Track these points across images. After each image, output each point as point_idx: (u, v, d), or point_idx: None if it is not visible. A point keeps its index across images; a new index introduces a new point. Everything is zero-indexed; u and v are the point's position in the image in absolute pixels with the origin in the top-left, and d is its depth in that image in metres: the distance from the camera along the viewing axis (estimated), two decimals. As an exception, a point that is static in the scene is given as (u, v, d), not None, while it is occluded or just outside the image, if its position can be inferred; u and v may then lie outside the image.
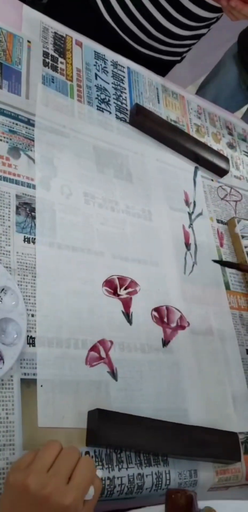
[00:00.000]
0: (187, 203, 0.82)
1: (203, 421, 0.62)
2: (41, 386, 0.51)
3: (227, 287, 0.77)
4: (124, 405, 0.56)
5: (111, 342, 0.59)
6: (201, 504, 0.43)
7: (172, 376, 0.63)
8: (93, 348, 0.57)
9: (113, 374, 0.57)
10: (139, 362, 0.60)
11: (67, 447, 0.44)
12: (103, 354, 0.58)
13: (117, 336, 0.60)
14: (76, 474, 0.41)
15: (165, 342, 0.64)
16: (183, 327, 0.68)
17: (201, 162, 0.88)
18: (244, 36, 1.32)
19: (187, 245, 0.77)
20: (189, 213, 0.81)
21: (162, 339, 0.64)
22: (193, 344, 0.67)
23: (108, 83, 0.79)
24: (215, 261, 0.74)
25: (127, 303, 0.64)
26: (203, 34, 0.94)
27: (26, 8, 0.72)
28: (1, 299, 0.52)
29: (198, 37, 0.94)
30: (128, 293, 0.65)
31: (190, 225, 0.80)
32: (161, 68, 0.94)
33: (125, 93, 0.82)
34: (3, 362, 0.48)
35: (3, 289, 0.52)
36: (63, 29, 0.77)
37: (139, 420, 0.55)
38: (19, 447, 0.47)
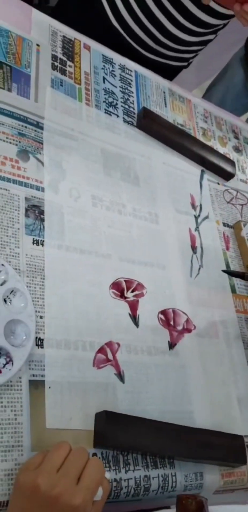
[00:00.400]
0: (193, 206, 0.82)
1: (208, 423, 0.62)
2: (50, 387, 0.51)
3: (233, 290, 0.77)
4: (130, 407, 0.56)
5: (119, 344, 0.60)
6: (211, 509, 0.44)
7: (178, 379, 0.63)
8: (101, 350, 0.58)
9: (121, 376, 0.58)
10: (145, 364, 0.61)
11: (76, 448, 0.44)
12: (110, 356, 0.58)
13: (124, 338, 0.61)
14: (86, 474, 0.42)
15: (171, 345, 0.65)
16: (189, 330, 0.68)
17: (207, 165, 0.88)
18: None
19: (193, 248, 0.78)
20: (195, 216, 0.81)
21: (168, 341, 0.65)
22: (199, 347, 0.67)
23: (116, 87, 0.80)
24: (224, 271, 0.75)
25: (133, 306, 0.64)
26: (210, 40, 0.95)
27: (35, 12, 0.73)
28: (10, 300, 0.53)
29: (204, 43, 0.94)
30: (135, 295, 0.65)
31: (196, 228, 0.80)
32: (168, 73, 0.94)
33: (132, 96, 0.82)
34: (12, 364, 0.48)
35: (12, 291, 0.53)
36: (71, 33, 0.77)
37: (146, 422, 0.55)
38: (28, 448, 0.47)
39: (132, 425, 0.53)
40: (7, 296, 0.52)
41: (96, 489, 0.42)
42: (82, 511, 0.40)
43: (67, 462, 0.42)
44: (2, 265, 0.53)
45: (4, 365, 0.48)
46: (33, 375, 0.51)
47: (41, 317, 0.54)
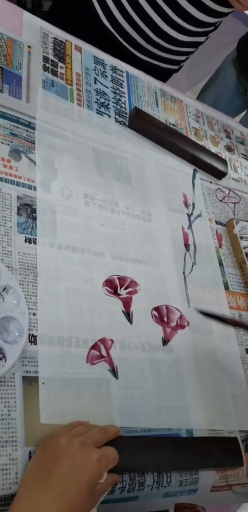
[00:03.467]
0: (186, 204, 0.83)
1: (203, 418, 0.62)
2: (43, 383, 0.51)
3: (226, 287, 0.78)
4: (124, 403, 0.56)
5: (112, 341, 0.60)
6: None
7: (172, 375, 0.63)
8: (94, 346, 0.58)
9: (114, 372, 0.58)
10: (139, 360, 0.61)
11: (104, 425, 0.50)
12: (104, 353, 0.58)
13: (118, 335, 0.61)
14: (104, 447, 0.47)
15: (165, 341, 0.65)
16: (182, 326, 0.68)
17: (199, 164, 0.89)
18: (244, 42, 1.34)
19: (186, 246, 0.78)
20: (188, 214, 0.82)
21: (162, 338, 0.65)
22: (192, 343, 0.68)
23: (107, 87, 0.81)
24: (201, 312, 0.70)
25: (127, 303, 0.64)
26: (201, 43, 0.95)
27: (26, 14, 0.74)
28: (3, 298, 0.53)
29: (195, 45, 0.95)
30: (128, 292, 0.65)
31: (189, 226, 0.81)
32: (159, 77, 0.95)
33: (124, 97, 0.83)
34: (5, 360, 0.49)
35: (5, 288, 0.53)
36: (62, 35, 0.78)
37: (139, 441, 0.55)
38: (22, 443, 0.47)
39: (125, 445, 0.52)
40: (0, 294, 0.53)
41: (110, 466, 0.46)
42: (96, 469, 0.44)
43: (88, 433, 0.48)
44: (-5, 263, 0.53)
45: (-3, 362, 0.48)
46: (27, 371, 0.51)
47: (34, 314, 0.54)
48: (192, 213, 0.83)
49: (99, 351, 0.58)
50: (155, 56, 0.94)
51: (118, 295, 0.64)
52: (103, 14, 0.88)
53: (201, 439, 0.61)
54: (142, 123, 0.81)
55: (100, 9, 0.87)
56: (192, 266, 0.76)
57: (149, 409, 0.58)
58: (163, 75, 1.00)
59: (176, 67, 1.01)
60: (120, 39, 0.91)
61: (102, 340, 0.59)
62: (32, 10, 1.61)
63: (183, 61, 1.01)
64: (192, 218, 0.82)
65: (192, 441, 0.60)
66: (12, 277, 0.54)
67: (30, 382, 0.51)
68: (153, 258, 0.71)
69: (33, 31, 0.74)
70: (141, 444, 0.55)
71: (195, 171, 0.89)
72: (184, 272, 0.74)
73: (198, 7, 0.83)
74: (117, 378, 0.58)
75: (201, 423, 0.62)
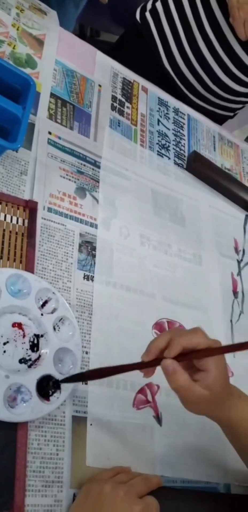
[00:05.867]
0: (236, 250, 0.83)
1: (242, 475, 0.61)
2: (91, 424, 0.52)
3: None
4: (166, 452, 0.56)
5: (158, 387, 0.60)
6: None
7: (214, 426, 0.62)
8: (141, 391, 0.58)
9: (158, 419, 0.58)
10: (182, 409, 0.61)
11: (142, 475, 0.49)
12: (150, 398, 0.58)
13: (163, 380, 0.60)
14: (147, 498, 0.46)
15: (209, 391, 0.65)
16: (227, 378, 0.68)
17: (252, 211, 0.89)
18: None
19: (235, 293, 0.78)
20: (237, 260, 0.82)
21: (206, 388, 0.65)
22: (236, 396, 0.67)
23: (169, 129, 0.82)
24: None
25: (174, 348, 0.64)
26: None
27: (99, 54, 0.76)
28: (59, 328, 0.54)
29: None
30: (176, 338, 0.65)
31: (239, 273, 0.80)
32: (213, 121, 0.96)
33: (184, 139, 0.84)
34: (60, 392, 0.49)
35: (61, 319, 0.54)
36: (131, 75, 0.81)
37: (179, 493, 0.55)
38: (67, 485, 0.47)
39: (165, 498, 0.51)
40: (56, 324, 0.54)
41: None
42: None
43: (132, 481, 0.47)
44: (53, 293, 0.54)
45: (52, 393, 0.49)
46: (77, 411, 0.51)
47: (86, 352, 0.55)
48: (242, 259, 0.83)
49: (146, 396, 0.58)
50: (211, 103, 0.95)
51: (167, 339, 0.64)
52: (165, 58, 0.90)
53: (238, 496, 0.60)
54: (200, 167, 0.81)
55: (163, 53, 0.90)
56: (240, 314, 0.76)
57: (189, 460, 0.58)
58: (217, 121, 1.01)
59: (231, 114, 1.02)
60: (179, 83, 0.92)
61: (149, 385, 0.59)
62: (90, 38, 1.67)
63: (239, 108, 1.01)
64: (241, 264, 0.82)
65: (230, 498, 0.59)
66: (68, 308, 0.55)
67: (79, 422, 0.51)
68: (201, 303, 0.71)
69: (104, 70, 0.76)
70: (181, 497, 0.55)
71: (247, 217, 0.89)
72: (231, 320, 0.74)
73: None
74: (161, 425, 0.58)
75: (239, 478, 0.61)
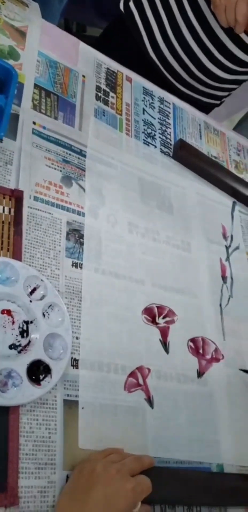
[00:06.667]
0: (224, 236, 0.84)
1: (234, 454, 0.62)
2: (83, 408, 0.53)
3: (262, 323, 0.78)
4: (158, 433, 0.57)
5: (149, 370, 0.61)
6: None
7: (206, 408, 0.63)
8: (132, 374, 0.59)
9: (150, 401, 0.59)
10: (174, 391, 0.62)
11: (134, 455, 0.50)
12: (141, 381, 0.59)
13: (154, 364, 0.62)
14: (139, 476, 0.47)
15: (200, 373, 0.66)
16: (217, 360, 0.69)
17: (239, 197, 0.90)
18: None
19: (224, 278, 0.79)
20: (226, 246, 0.83)
21: (197, 370, 0.65)
22: (226, 378, 0.68)
23: (154, 118, 0.83)
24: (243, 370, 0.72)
25: (164, 332, 0.65)
26: (244, 81, 0.97)
27: (82, 45, 0.77)
28: (49, 314, 0.54)
29: (239, 82, 0.97)
30: (166, 322, 0.66)
31: (227, 259, 0.81)
32: (200, 111, 0.97)
33: (170, 128, 0.85)
34: (51, 376, 0.50)
35: (50, 305, 0.55)
36: (115, 65, 0.81)
37: (171, 473, 0.56)
38: (60, 467, 0.48)
39: (158, 477, 0.52)
40: (46, 311, 0.54)
41: (144, 495, 0.46)
42: (132, 497, 0.44)
43: (124, 460, 0.48)
44: (41, 280, 0.55)
45: (43, 378, 0.50)
46: (68, 395, 0.52)
47: (77, 338, 0.56)
48: (230, 245, 0.84)
49: (137, 379, 0.59)
50: (197, 91, 0.96)
51: (157, 323, 0.65)
52: (150, 47, 0.90)
53: (232, 475, 0.61)
54: (186, 155, 0.82)
55: (148, 42, 0.90)
56: (229, 298, 0.77)
57: (182, 441, 0.59)
58: (204, 109, 1.02)
59: (218, 102, 1.03)
60: (165, 72, 0.93)
61: (140, 369, 0.60)
62: (76, 33, 1.67)
63: (225, 96, 1.02)
64: (230, 250, 0.83)
65: (223, 477, 0.60)
66: (57, 294, 0.55)
67: (71, 405, 0.52)
68: (191, 288, 0.72)
69: (88, 61, 0.77)
70: (174, 476, 0.55)
71: (234, 203, 0.90)
72: (220, 304, 0.75)
73: (243, 48, 0.85)
74: (153, 408, 0.59)
75: (232, 458, 0.62)
